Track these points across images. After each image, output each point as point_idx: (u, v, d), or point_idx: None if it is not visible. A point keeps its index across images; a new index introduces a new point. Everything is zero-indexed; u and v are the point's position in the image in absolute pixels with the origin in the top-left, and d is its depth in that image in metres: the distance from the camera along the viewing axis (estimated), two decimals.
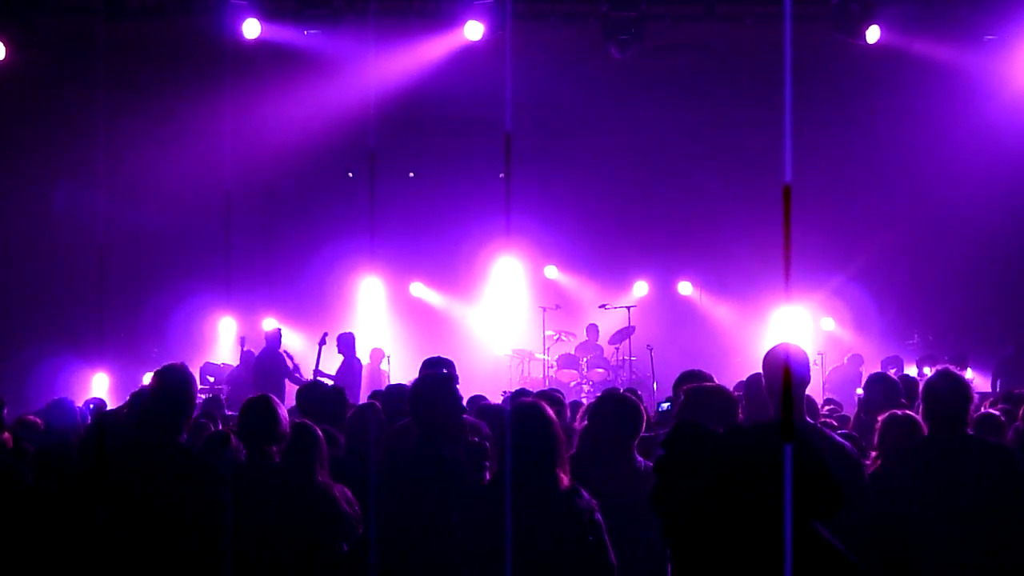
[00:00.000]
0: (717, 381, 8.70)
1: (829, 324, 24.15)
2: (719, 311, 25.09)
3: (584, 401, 15.40)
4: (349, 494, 7.50)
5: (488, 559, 6.55)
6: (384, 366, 22.01)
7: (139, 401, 8.46)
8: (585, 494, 6.67)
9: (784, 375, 7.31)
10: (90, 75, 21.01)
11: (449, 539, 6.95)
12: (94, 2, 19.81)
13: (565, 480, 6.68)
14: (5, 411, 9.43)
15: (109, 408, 12.37)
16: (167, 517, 6.64)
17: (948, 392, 7.44)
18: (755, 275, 23.41)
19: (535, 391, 11.82)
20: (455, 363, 9.70)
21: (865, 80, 21.74)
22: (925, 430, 7.62)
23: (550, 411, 6.87)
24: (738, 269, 24.09)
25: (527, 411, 6.84)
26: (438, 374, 8.29)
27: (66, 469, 8.98)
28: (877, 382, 9.99)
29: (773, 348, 7.57)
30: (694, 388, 7.39)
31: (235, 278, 24.05)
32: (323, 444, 7.69)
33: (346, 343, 20.21)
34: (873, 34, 19.24)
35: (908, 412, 8.01)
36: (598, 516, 6.64)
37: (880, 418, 8.09)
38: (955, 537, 7.13)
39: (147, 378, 19.50)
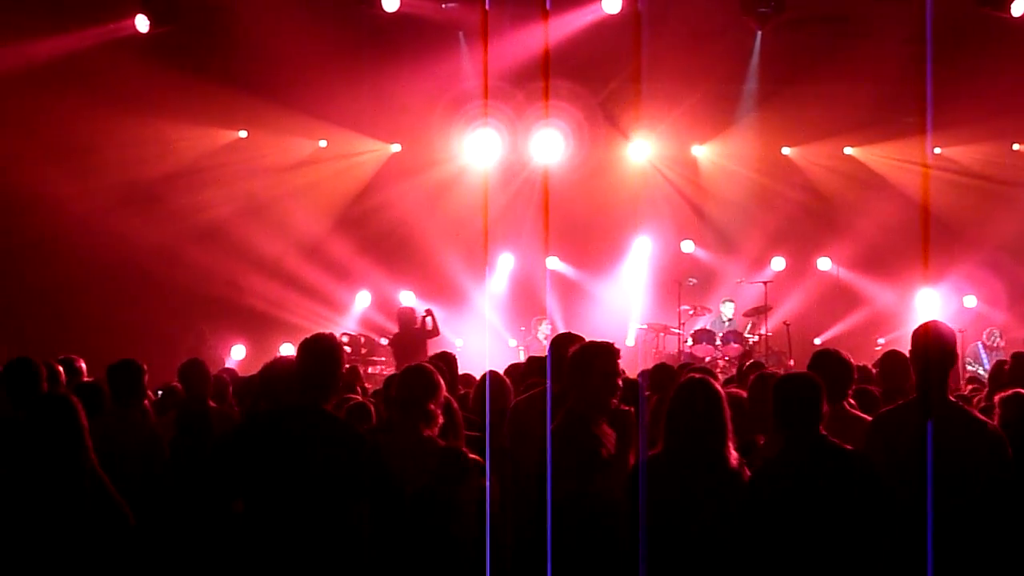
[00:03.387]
0: (855, 359, 8.61)
1: (971, 301, 23.72)
2: (858, 287, 24.75)
3: (720, 376, 15.29)
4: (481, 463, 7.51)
5: (657, 534, 6.58)
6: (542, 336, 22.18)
7: (272, 371, 8.50)
8: (747, 469, 6.68)
9: (926, 353, 7.20)
10: (231, 48, 21.32)
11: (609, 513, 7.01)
12: None
13: (734, 456, 6.67)
14: (147, 378, 9.59)
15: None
16: (315, 483, 6.69)
17: None
18: (896, 250, 23.11)
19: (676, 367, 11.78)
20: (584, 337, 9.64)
21: (1010, 53, 21.24)
22: None
23: (719, 386, 6.84)
24: (879, 244, 23.76)
25: (696, 386, 6.84)
26: (602, 342, 8.19)
27: (206, 433, 9.15)
28: (1018, 360, 9.86)
29: (920, 326, 7.44)
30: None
31: (371, 250, 24.32)
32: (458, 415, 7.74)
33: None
34: (1018, 7, 18.82)
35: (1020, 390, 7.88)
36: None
37: (997, 397, 7.98)
38: None
39: (283, 348, 19.94)
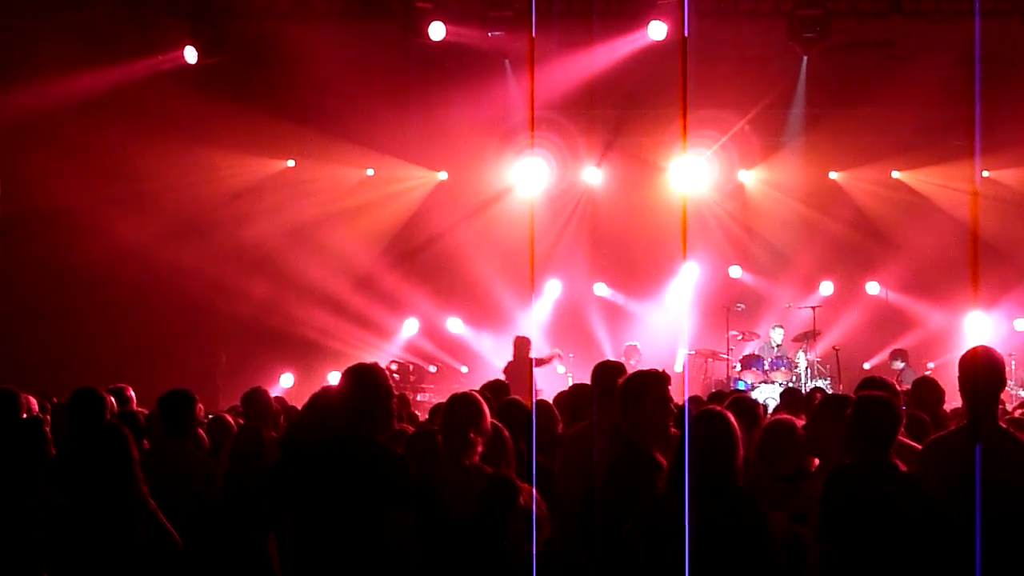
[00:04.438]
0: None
1: (1022, 324, 23.58)
2: (908, 311, 24.62)
3: (769, 403, 15.24)
4: (536, 494, 7.50)
5: (663, 564, 6.59)
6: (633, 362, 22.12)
7: (319, 401, 8.52)
8: (751, 496, 6.69)
9: (975, 378, 7.16)
10: (278, 78, 21.49)
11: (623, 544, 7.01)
12: (283, 7, 20.22)
13: (739, 483, 6.68)
14: (198, 407, 9.67)
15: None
16: (361, 511, 6.72)
17: None
18: (945, 274, 22.95)
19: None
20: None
21: None
22: None
23: (732, 419, 6.85)
24: (928, 268, 23.64)
25: (708, 418, 6.85)
26: (652, 369, 8.22)
27: (258, 465, 9.21)
28: None
29: (968, 351, 7.41)
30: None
31: (418, 277, 24.45)
32: (508, 444, 7.73)
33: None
34: None
35: None
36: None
37: None
38: None
39: (332, 377, 19.99)
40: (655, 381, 7.85)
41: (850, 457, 6.78)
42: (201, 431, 10.16)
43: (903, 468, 6.69)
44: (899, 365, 21.26)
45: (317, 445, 7.22)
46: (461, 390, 8.20)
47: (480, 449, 7.42)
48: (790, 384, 20.87)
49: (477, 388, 9.57)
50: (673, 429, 7.76)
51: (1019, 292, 23.26)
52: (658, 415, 7.65)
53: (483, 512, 7.10)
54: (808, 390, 12.52)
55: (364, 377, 7.12)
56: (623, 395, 7.80)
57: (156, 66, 20.23)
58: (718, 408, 7.19)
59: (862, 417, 6.78)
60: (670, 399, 7.87)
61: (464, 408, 7.54)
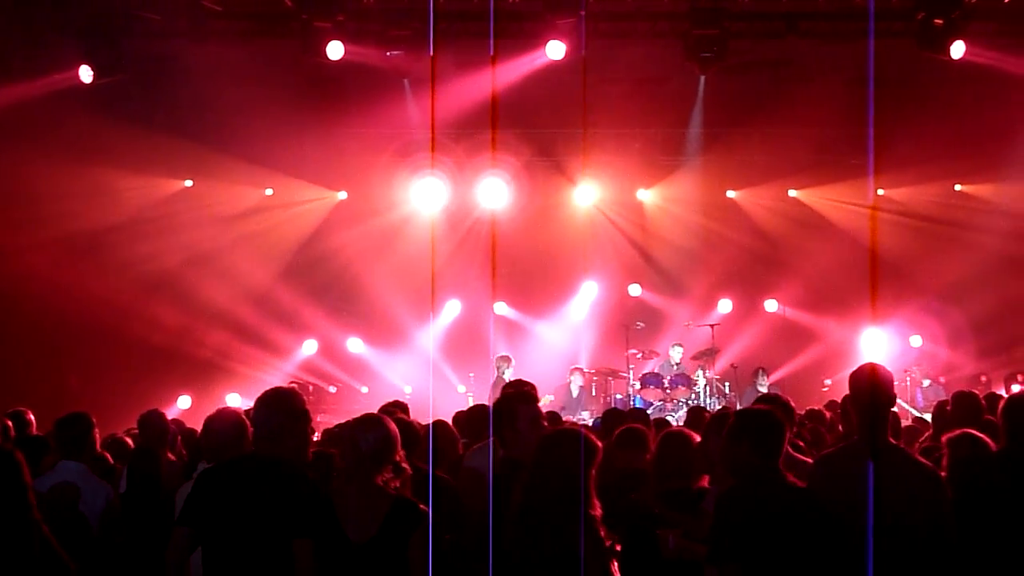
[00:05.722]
0: (804, 400, 8.66)
1: (917, 341, 23.93)
2: (805, 328, 24.87)
3: (672, 420, 15.36)
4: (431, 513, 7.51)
5: None
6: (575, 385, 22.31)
7: (213, 423, 8.41)
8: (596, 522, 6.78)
9: (869, 395, 7.25)
10: (175, 97, 21.31)
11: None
12: (180, 26, 20.02)
13: (597, 508, 6.76)
14: (96, 431, 9.55)
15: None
16: (266, 533, 6.70)
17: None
18: (842, 291, 23.25)
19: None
20: (535, 384, 9.71)
21: (950, 95, 21.40)
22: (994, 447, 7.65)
23: (593, 439, 6.93)
24: (824, 285, 23.91)
25: (557, 440, 6.95)
26: (518, 392, 8.32)
27: (156, 485, 9.12)
28: (961, 400, 9.96)
29: (858, 368, 7.51)
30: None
31: (318, 297, 24.36)
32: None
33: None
34: (957, 50, 18.93)
35: (969, 430, 8.01)
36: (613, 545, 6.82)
37: (944, 437, 8.06)
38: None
39: (230, 398, 19.85)
40: (523, 402, 7.97)
41: (732, 471, 6.82)
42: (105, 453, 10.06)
43: (793, 480, 6.73)
44: (763, 382, 21.66)
45: (225, 467, 7.18)
46: (362, 411, 8.17)
47: (387, 474, 7.42)
48: (690, 402, 21.03)
49: (376, 409, 9.56)
50: None
51: (913, 308, 23.59)
52: (533, 433, 7.72)
53: (385, 533, 7.08)
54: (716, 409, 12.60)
55: (278, 401, 7.10)
56: (497, 419, 7.91)
57: (50, 86, 19.91)
58: (574, 429, 7.24)
59: (742, 430, 6.84)
60: (542, 416, 7.98)
61: (375, 430, 7.53)
